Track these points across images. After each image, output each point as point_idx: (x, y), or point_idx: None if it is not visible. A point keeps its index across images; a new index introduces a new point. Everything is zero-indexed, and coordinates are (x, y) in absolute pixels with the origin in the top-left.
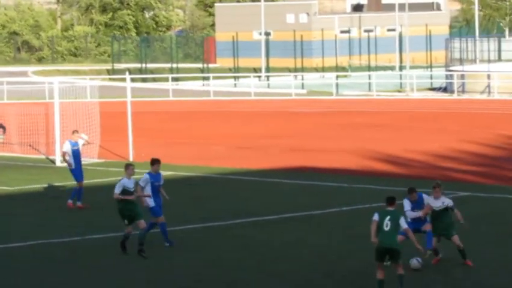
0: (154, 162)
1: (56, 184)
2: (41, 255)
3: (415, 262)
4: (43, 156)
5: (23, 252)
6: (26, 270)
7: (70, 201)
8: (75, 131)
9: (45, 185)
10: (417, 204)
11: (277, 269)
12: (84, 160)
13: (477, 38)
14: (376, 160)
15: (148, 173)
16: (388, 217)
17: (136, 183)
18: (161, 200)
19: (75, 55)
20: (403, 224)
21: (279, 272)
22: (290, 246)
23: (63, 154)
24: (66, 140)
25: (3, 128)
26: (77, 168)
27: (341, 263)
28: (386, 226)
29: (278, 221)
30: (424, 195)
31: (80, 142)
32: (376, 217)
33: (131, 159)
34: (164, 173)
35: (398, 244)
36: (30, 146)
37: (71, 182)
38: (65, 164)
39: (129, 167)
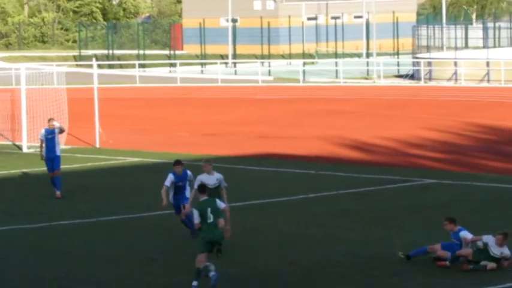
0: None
1: (23, 170)
2: (8, 241)
3: None
4: (9, 143)
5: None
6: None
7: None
8: (51, 119)
9: (12, 171)
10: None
11: (239, 256)
12: None
13: (444, 25)
14: (343, 147)
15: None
16: (209, 209)
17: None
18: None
19: (42, 41)
20: (221, 205)
21: (241, 259)
22: (254, 232)
23: (41, 142)
24: (43, 128)
25: None
26: (48, 158)
27: (305, 251)
28: (210, 219)
29: (244, 208)
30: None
31: (56, 131)
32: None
33: (98, 145)
34: (131, 159)
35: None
36: None
37: (38, 168)
38: (30, 150)
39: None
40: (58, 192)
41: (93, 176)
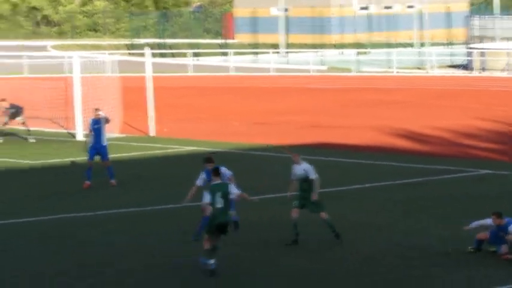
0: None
1: (77, 158)
2: (59, 229)
3: None
4: (63, 130)
5: (37, 227)
6: (49, 242)
7: (112, 181)
8: (96, 109)
9: (66, 159)
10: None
11: (307, 246)
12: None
13: (498, 15)
14: (396, 137)
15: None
16: (220, 193)
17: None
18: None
19: (94, 30)
20: (233, 191)
21: (310, 250)
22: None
23: (89, 132)
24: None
25: (19, 108)
26: (93, 147)
27: (366, 240)
28: (219, 203)
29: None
30: None
31: (103, 121)
32: (207, 198)
33: (152, 134)
34: (184, 148)
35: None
36: (50, 120)
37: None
38: (85, 138)
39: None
40: (113, 181)
41: (147, 165)
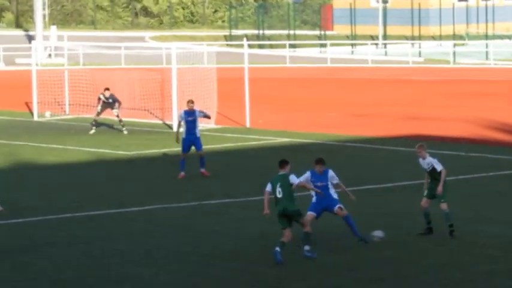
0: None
1: (173, 149)
2: (157, 220)
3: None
4: (159, 122)
5: (139, 217)
6: (141, 233)
7: (203, 170)
8: (190, 101)
9: (162, 150)
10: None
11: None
12: (200, 126)
13: None
14: (493, 129)
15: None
16: (279, 183)
17: None
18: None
19: (191, 21)
20: (293, 180)
21: (394, 240)
22: (403, 213)
23: (178, 123)
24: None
25: (117, 101)
26: (186, 139)
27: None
28: (279, 193)
29: (393, 189)
30: None
31: (197, 113)
32: (268, 187)
33: (248, 125)
34: (280, 139)
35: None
36: (146, 111)
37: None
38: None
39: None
40: (203, 170)
41: (242, 156)
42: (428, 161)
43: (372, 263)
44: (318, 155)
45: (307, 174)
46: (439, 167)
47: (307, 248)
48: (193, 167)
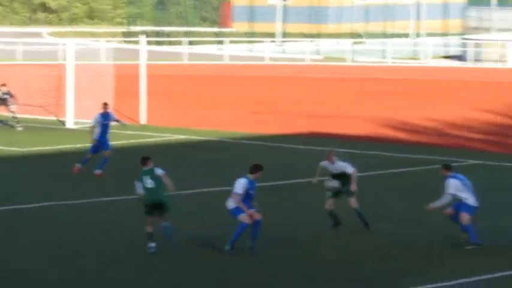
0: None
1: (67, 146)
2: (52, 217)
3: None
4: (54, 118)
5: (35, 214)
6: (38, 231)
7: (98, 172)
8: (105, 104)
9: (57, 147)
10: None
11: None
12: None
13: (494, 7)
14: (389, 127)
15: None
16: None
17: None
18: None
19: (91, 17)
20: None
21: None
22: (297, 210)
23: (92, 127)
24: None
25: (12, 96)
26: (98, 141)
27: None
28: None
29: (282, 187)
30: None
31: (112, 117)
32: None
33: (143, 122)
34: (177, 136)
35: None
36: (42, 107)
37: (81, 144)
38: (75, 126)
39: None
40: (98, 171)
41: (136, 152)
42: (338, 166)
43: (270, 259)
44: (214, 153)
45: (244, 181)
46: (350, 170)
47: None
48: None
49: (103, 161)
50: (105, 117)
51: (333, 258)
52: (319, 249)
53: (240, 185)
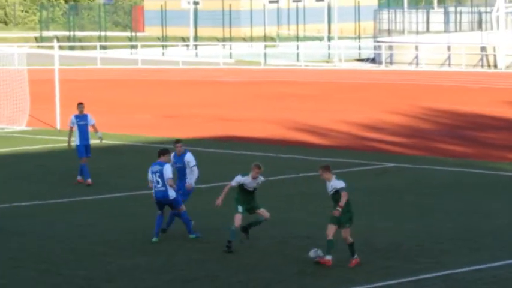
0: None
1: None
2: None
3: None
4: None
5: None
6: None
7: (79, 178)
8: (80, 103)
9: None
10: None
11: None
12: (10, 128)
13: (406, 9)
14: (301, 130)
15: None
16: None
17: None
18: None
19: (4, 22)
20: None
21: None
22: (211, 215)
23: (70, 129)
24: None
25: None
26: (81, 144)
27: (263, 233)
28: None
29: (203, 190)
30: None
31: (89, 117)
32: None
33: (59, 127)
34: (92, 141)
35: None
36: None
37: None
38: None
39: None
40: (89, 180)
41: (52, 157)
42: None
43: (184, 263)
44: (129, 156)
45: (168, 166)
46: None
47: None
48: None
49: (84, 168)
50: (81, 118)
51: (245, 261)
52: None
53: (167, 170)
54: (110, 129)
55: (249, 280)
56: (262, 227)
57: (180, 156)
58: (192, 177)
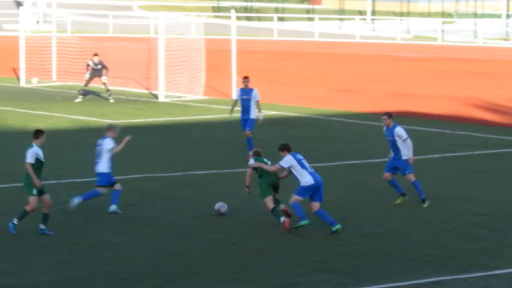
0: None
1: (159, 119)
2: (141, 189)
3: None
4: (146, 91)
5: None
6: (124, 202)
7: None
8: (245, 77)
9: (148, 120)
10: None
11: (374, 212)
12: (187, 96)
13: None
14: (479, 108)
15: None
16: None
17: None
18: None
19: None
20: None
21: (375, 215)
22: (383, 190)
23: (234, 102)
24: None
25: (106, 68)
26: (242, 119)
27: (438, 210)
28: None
29: (376, 164)
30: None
31: (255, 95)
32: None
33: (234, 97)
34: (267, 112)
35: None
36: (133, 80)
37: (174, 118)
38: (167, 100)
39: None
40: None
41: (227, 127)
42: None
43: (356, 238)
44: (304, 129)
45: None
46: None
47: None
48: (181, 138)
49: (250, 141)
50: (245, 92)
51: (417, 237)
52: (404, 227)
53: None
54: (286, 101)
55: (420, 255)
56: (437, 203)
57: (391, 129)
58: (407, 151)
